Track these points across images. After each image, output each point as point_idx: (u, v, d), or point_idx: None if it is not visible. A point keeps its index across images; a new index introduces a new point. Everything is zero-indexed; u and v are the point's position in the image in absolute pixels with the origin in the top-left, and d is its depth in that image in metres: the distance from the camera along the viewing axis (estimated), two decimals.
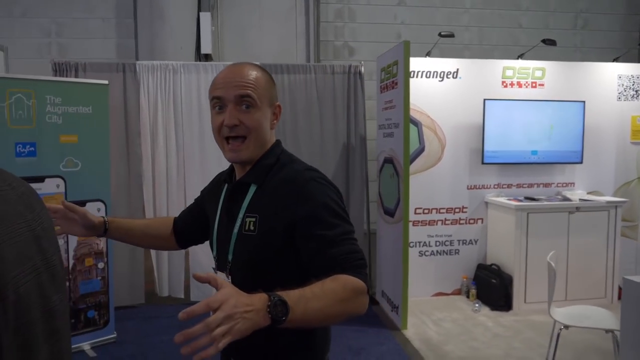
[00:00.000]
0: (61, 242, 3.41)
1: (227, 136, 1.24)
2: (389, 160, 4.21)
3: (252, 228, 1.22)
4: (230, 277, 1.28)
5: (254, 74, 1.24)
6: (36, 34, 5.34)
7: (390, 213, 4.18)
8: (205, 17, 5.58)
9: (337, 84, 4.62)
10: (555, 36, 5.12)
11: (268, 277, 1.20)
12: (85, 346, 3.61)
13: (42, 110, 3.37)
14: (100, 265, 3.68)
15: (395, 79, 3.99)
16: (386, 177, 4.28)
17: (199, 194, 1.56)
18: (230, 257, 1.27)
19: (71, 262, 3.54)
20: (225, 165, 1.40)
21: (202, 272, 0.97)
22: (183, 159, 4.38)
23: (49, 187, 3.41)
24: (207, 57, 5.34)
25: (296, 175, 1.23)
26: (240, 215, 1.26)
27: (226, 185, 1.37)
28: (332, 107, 4.61)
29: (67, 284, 3.50)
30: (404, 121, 3.82)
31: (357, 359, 3.45)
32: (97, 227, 1.44)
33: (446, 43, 4.96)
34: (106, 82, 3.69)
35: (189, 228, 1.54)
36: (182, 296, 4.49)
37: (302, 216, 1.17)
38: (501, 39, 5.98)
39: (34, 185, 3.05)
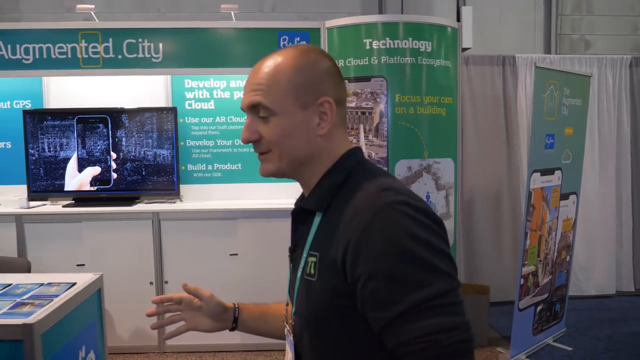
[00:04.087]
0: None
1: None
2: None
3: (312, 272, 0.90)
4: (292, 335, 1.00)
5: (269, 70, 0.92)
6: None
7: None
8: (467, 11, 5.60)
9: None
10: None
11: (332, 344, 0.88)
12: (549, 340, 3.60)
13: (560, 102, 3.33)
14: (568, 258, 3.67)
15: None
16: None
17: None
18: (293, 310, 0.97)
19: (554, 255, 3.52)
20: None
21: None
22: None
23: (555, 180, 3.38)
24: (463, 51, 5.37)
25: (365, 199, 0.85)
26: (304, 254, 0.94)
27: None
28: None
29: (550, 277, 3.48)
30: None
31: None
32: (228, 314, 1.15)
33: None
34: (590, 74, 3.72)
35: None
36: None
37: (364, 266, 0.80)
38: None
39: (541, 178, 3.20)
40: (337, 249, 0.84)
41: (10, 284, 1.86)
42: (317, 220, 0.93)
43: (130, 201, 3.64)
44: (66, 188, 3.75)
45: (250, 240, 3.42)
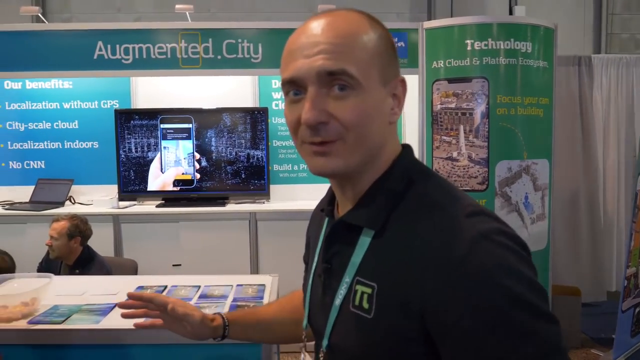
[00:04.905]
0: None
1: (310, 142, 0.71)
2: None
3: (365, 306, 0.71)
4: None
5: (347, 27, 0.70)
6: None
7: None
8: (520, 10, 5.61)
9: None
10: None
11: None
12: None
13: None
14: None
15: None
16: None
17: None
18: (325, 342, 0.78)
19: None
20: None
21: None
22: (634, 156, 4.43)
23: None
24: None
25: (449, 224, 0.66)
26: (347, 279, 0.75)
27: (327, 220, 0.86)
28: None
29: None
30: None
31: None
32: (216, 332, 1.04)
33: None
34: None
35: None
36: None
37: (458, 315, 0.62)
38: None
39: None
40: (409, 285, 0.66)
41: (166, 286, 1.85)
42: (366, 239, 0.73)
43: (219, 201, 3.65)
44: (149, 188, 3.76)
45: None
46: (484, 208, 0.70)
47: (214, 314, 1.04)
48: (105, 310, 1.52)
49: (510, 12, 5.38)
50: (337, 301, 0.75)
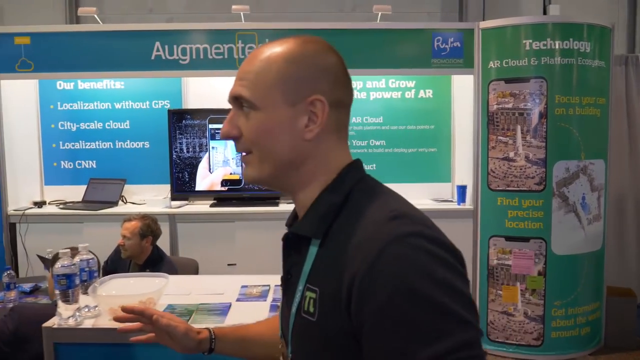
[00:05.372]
0: None
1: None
2: None
3: (311, 310, 0.76)
4: None
5: (260, 57, 0.80)
6: None
7: None
8: (555, 9, 5.57)
9: None
10: None
11: None
12: None
13: None
14: None
15: None
16: None
17: None
18: (289, 349, 0.84)
19: None
20: None
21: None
22: None
23: None
24: None
25: (371, 229, 0.71)
26: (300, 287, 0.80)
27: None
28: None
29: None
30: None
31: None
32: (202, 346, 1.07)
33: None
34: None
35: None
36: None
37: (370, 311, 0.66)
38: None
39: None
40: (340, 286, 0.70)
41: (268, 285, 1.87)
42: (313, 249, 0.78)
43: (269, 201, 3.66)
44: (197, 188, 3.77)
45: None
46: (410, 212, 0.73)
47: (203, 328, 1.08)
48: (224, 310, 1.53)
49: (545, 11, 5.36)
50: (293, 309, 0.79)
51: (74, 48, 3.34)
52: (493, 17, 4.04)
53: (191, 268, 2.99)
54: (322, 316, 0.74)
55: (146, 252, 2.64)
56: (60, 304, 1.53)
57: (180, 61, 3.32)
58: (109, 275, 1.71)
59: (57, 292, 1.53)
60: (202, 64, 3.33)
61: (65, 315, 1.54)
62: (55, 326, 1.53)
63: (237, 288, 1.83)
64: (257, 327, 1.13)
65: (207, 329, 1.07)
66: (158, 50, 3.31)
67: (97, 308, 1.59)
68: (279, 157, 0.79)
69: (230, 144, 3.92)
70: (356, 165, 0.83)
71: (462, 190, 3.47)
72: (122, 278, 1.74)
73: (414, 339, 0.62)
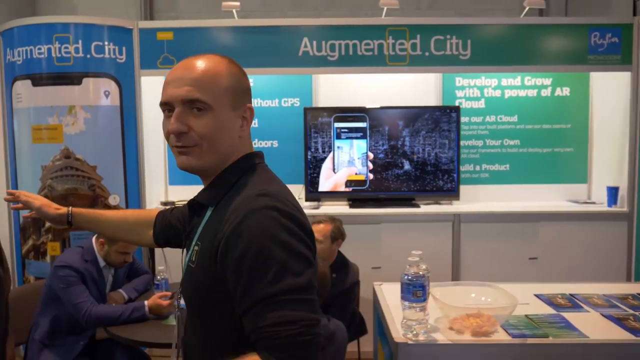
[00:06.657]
0: None
1: (175, 145, 1.02)
2: None
3: (193, 259, 1.02)
4: (178, 310, 1.22)
5: (208, 69, 1.00)
6: None
7: None
8: None
9: None
10: None
11: (210, 326, 1.01)
12: None
13: None
14: None
15: None
16: None
17: None
18: (179, 289, 1.12)
19: None
20: None
21: None
22: None
23: None
24: None
25: (244, 200, 0.96)
26: (193, 243, 1.05)
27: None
28: None
29: None
30: None
31: None
32: (60, 219, 1.39)
33: None
34: None
35: (171, 230, 1.34)
36: None
37: (231, 260, 0.91)
38: None
39: None
40: (213, 241, 0.95)
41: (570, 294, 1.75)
42: (208, 213, 1.05)
43: (405, 202, 3.55)
44: (320, 189, 3.67)
45: (551, 244, 3.31)
46: (277, 193, 0.96)
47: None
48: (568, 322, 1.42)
49: (634, 8, 5.22)
50: (186, 259, 1.06)
51: (217, 44, 3.24)
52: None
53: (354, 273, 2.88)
54: (200, 263, 0.99)
55: (333, 256, 2.54)
56: None
57: (329, 57, 3.21)
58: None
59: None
60: (351, 61, 3.22)
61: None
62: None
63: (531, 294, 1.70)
64: (124, 212, 1.55)
65: (68, 207, 1.39)
66: (306, 46, 3.21)
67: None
68: (223, 150, 1.02)
69: (357, 143, 3.85)
70: (254, 155, 1.07)
71: (613, 191, 3.36)
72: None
73: (259, 281, 0.88)
